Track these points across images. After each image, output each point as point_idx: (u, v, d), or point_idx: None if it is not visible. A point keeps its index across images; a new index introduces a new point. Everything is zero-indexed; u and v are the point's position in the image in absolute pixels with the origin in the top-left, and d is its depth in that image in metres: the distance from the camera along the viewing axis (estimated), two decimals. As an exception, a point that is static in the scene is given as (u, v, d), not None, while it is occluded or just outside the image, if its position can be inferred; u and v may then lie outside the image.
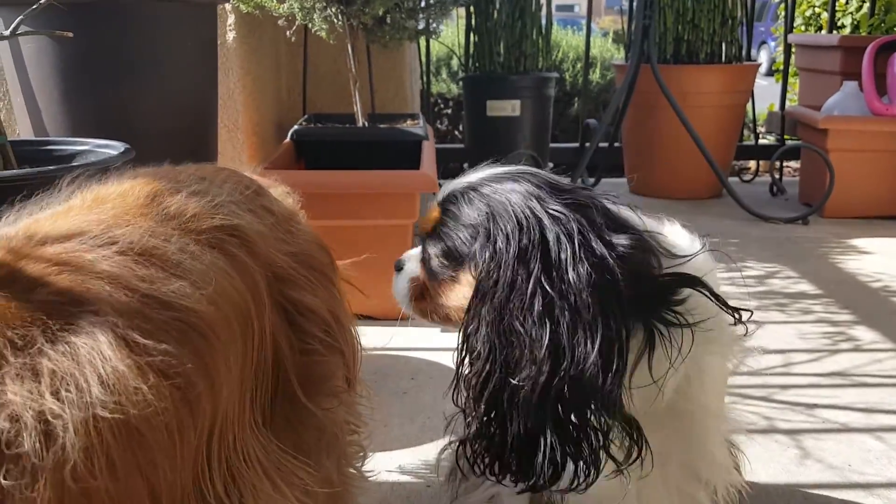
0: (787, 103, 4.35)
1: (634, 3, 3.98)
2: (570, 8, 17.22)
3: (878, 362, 2.00)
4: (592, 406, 0.82)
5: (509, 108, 3.57)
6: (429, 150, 2.53)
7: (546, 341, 0.81)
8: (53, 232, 0.76)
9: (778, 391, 1.85)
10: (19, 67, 2.11)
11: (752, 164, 4.47)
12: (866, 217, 3.42)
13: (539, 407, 0.82)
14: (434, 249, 0.96)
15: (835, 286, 2.58)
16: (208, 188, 0.93)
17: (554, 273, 0.83)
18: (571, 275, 0.83)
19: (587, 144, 3.87)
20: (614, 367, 0.82)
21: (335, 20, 2.75)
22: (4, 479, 0.59)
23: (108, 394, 0.65)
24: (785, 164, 4.30)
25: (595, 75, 5.24)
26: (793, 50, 4.31)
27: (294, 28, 2.91)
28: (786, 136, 4.10)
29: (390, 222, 2.15)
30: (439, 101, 5.27)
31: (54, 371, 0.64)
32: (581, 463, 0.83)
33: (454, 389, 0.92)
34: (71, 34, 1.73)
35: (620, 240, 0.86)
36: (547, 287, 0.82)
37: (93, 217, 0.79)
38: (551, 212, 0.87)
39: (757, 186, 4.00)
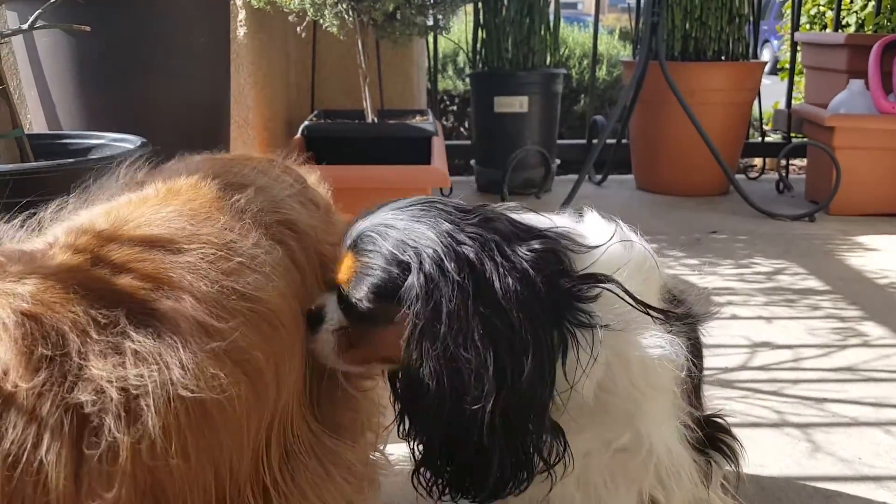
0: (793, 101, 4.36)
1: (643, 1, 4.00)
2: (573, 5, 17.23)
3: (886, 357, 2.02)
4: (532, 416, 0.86)
5: (517, 104, 3.58)
6: (439, 146, 2.55)
7: (490, 363, 0.83)
8: (137, 220, 0.80)
9: (788, 385, 1.87)
10: (34, 61, 2.13)
11: (757, 161, 4.48)
12: (872, 214, 3.43)
13: (490, 425, 0.84)
14: (360, 293, 0.90)
15: (842, 283, 2.59)
16: (270, 182, 0.96)
17: (485, 294, 0.85)
18: (500, 293, 0.85)
19: (594, 141, 3.88)
20: (546, 376, 0.85)
21: (346, 16, 2.76)
22: (86, 448, 0.60)
23: (188, 377, 0.67)
24: (790, 162, 4.31)
25: (601, 72, 5.25)
26: (798, 48, 4.32)
27: (304, 24, 2.92)
28: (792, 135, 4.11)
29: (402, 217, 2.16)
30: (445, 98, 5.28)
31: (137, 351, 0.66)
32: (522, 470, 0.88)
33: (399, 425, 0.94)
34: (88, 28, 1.75)
35: (532, 246, 0.89)
36: (482, 309, 0.84)
37: (172, 209, 0.83)
38: (468, 234, 0.88)
39: (763, 184, 4.01)
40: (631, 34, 4.63)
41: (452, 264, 0.85)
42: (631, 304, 0.90)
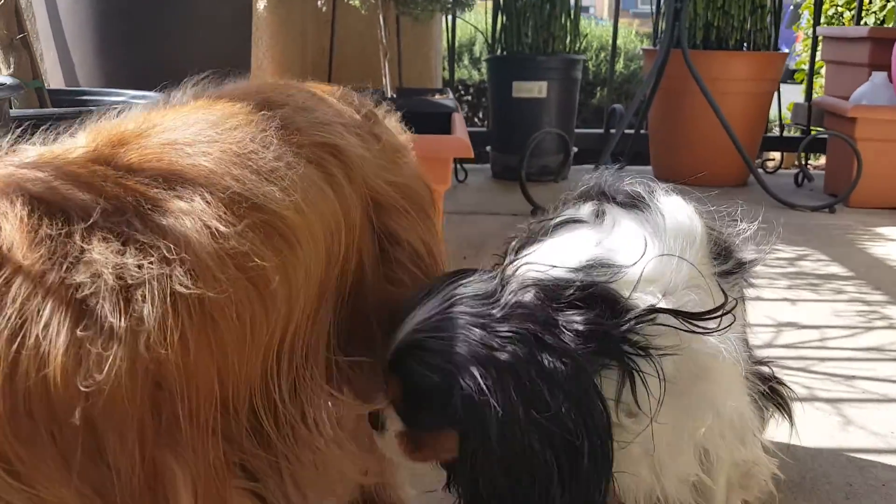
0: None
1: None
2: (585, 9, 17.23)
3: (915, 340, 1.98)
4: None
5: (536, 89, 3.54)
6: (459, 121, 2.51)
7: (553, 465, 0.82)
8: (163, 124, 0.79)
9: (816, 363, 1.83)
10: (53, 19, 2.10)
11: (774, 155, 4.44)
12: (892, 207, 3.39)
13: None
14: (411, 411, 0.91)
15: (864, 269, 2.55)
16: (317, 104, 0.94)
17: (532, 398, 0.82)
18: (550, 394, 0.81)
19: (612, 130, 3.85)
20: (602, 467, 0.84)
21: (368, -10, 2.74)
22: (81, 330, 0.60)
23: (188, 276, 0.65)
24: (808, 157, 4.27)
25: (619, 65, 5.22)
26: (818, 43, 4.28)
27: (324, -1, 2.90)
28: (811, 129, 4.07)
29: (423, 187, 2.13)
30: (459, 86, 5.25)
31: (141, 242, 0.64)
32: None
33: None
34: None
35: (573, 322, 0.84)
36: (535, 415, 0.81)
37: (201, 115, 0.82)
38: (501, 337, 0.84)
39: (781, 177, 3.97)
40: (652, 23, 4.60)
41: (491, 380, 0.82)
42: (683, 329, 0.86)
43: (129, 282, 0.63)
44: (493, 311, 0.85)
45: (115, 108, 0.91)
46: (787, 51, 4.86)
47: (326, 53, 3.51)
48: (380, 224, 0.97)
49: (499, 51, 3.76)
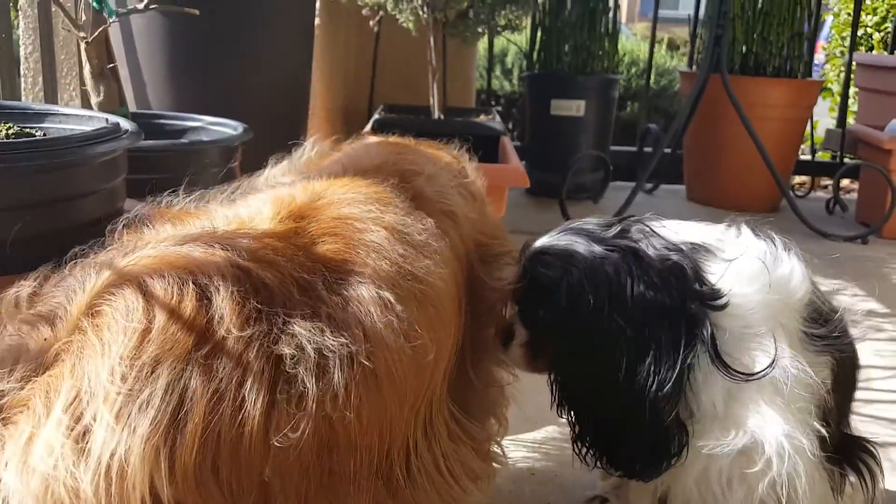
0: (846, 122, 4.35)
1: (701, 13, 4.00)
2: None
3: (956, 384, 2.02)
4: (657, 411, 0.97)
5: (574, 108, 3.59)
6: (509, 146, 2.57)
7: (624, 364, 0.97)
8: (329, 197, 0.87)
9: (861, 405, 1.87)
10: (127, 41, 2.16)
11: (804, 179, 4.47)
12: (925, 240, 3.43)
13: (629, 412, 0.98)
14: (532, 308, 1.07)
15: (902, 306, 2.59)
16: (438, 172, 1.00)
17: (619, 303, 0.98)
18: (631, 302, 0.98)
19: (646, 149, 3.89)
20: (672, 371, 0.96)
21: (420, 13, 2.78)
22: (279, 393, 0.68)
23: (369, 345, 0.72)
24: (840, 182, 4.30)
25: (652, 81, 5.25)
26: (853, 69, 4.31)
27: (377, 18, 2.95)
28: (846, 156, 4.11)
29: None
30: (491, 98, 5.29)
31: (331, 315, 0.71)
32: (655, 454, 0.99)
33: (559, 406, 1.09)
34: (197, 12, 1.77)
35: (665, 257, 1.01)
36: (616, 317, 0.98)
37: (357, 191, 0.90)
38: (610, 247, 1.02)
39: (811, 202, 4.01)
40: (677, 45, 4.64)
41: (595, 280, 0.99)
42: (711, 351, 0.97)
43: (326, 354, 0.71)
44: (607, 235, 1.03)
45: (258, 173, 0.98)
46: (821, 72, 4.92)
47: (369, 67, 3.57)
48: (473, 272, 1.08)
49: (537, 68, 3.80)
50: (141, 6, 1.69)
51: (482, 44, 4.25)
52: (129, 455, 0.62)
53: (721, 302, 0.98)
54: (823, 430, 1.06)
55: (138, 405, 0.63)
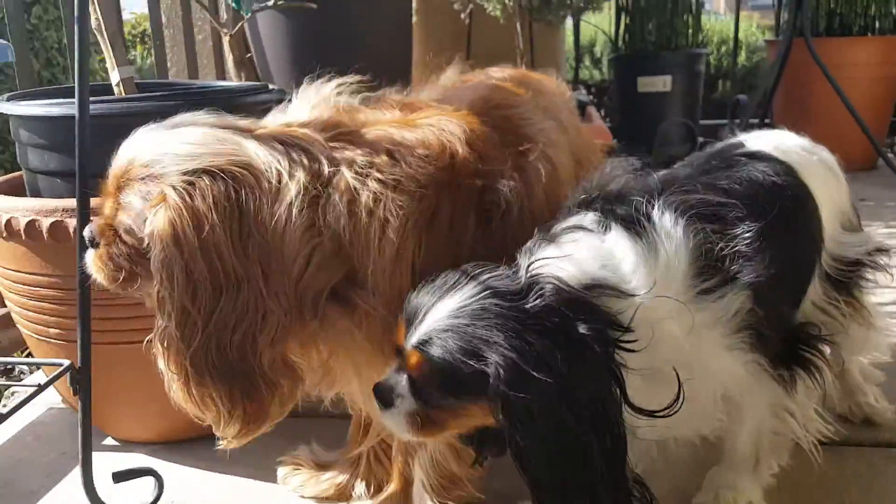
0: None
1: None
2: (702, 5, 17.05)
3: None
4: (617, 472, 0.97)
5: (661, 83, 3.75)
6: (594, 112, 2.79)
7: (600, 446, 0.94)
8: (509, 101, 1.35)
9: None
10: (254, 36, 2.50)
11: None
12: None
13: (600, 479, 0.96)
14: (435, 389, 0.99)
15: None
16: (550, 88, 1.50)
17: (565, 383, 0.92)
18: (580, 387, 0.93)
19: (737, 120, 3.99)
20: (621, 443, 0.97)
21: (507, 1, 3.04)
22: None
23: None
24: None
25: (741, 58, 5.32)
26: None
27: (468, 11, 3.22)
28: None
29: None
30: (582, 86, 5.49)
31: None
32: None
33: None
34: (315, 5, 2.08)
35: (588, 327, 0.95)
36: (566, 402, 0.93)
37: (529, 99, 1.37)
38: (535, 329, 0.94)
39: (911, 160, 4.00)
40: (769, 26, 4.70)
41: (530, 365, 0.92)
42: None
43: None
44: (526, 307, 0.95)
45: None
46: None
47: (462, 47, 3.84)
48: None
49: (623, 49, 3.99)
50: (270, 3, 2.01)
51: (570, 34, 4.47)
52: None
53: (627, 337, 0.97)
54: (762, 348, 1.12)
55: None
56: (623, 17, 3.96)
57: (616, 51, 4.04)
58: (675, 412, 0.98)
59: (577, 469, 0.95)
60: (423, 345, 0.97)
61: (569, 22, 4.16)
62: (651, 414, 0.98)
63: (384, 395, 1.02)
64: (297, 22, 2.40)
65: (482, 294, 0.97)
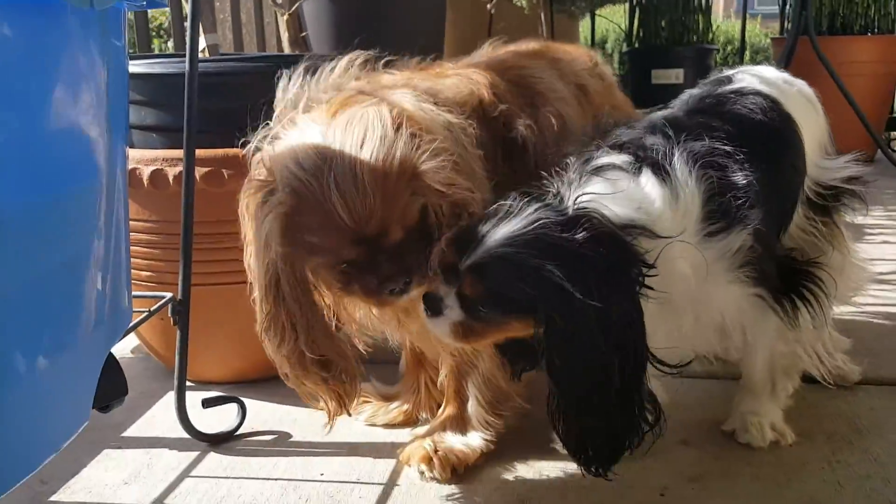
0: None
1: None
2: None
3: None
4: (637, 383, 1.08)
5: (673, 76, 3.95)
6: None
7: (621, 367, 1.05)
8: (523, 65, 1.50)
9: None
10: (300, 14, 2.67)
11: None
12: None
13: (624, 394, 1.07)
14: (488, 307, 1.08)
15: None
16: (574, 56, 1.59)
17: (603, 315, 1.02)
18: (612, 314, 1.03)
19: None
20: (642, 365, 1.08)
21: (532, -8, 3.23)
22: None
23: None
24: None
25: (746, 57, 5.52)
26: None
27: (493, 1, 3.41)
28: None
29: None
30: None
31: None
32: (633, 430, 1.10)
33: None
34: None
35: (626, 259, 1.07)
36: (601, 329, 1.03)
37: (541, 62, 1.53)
38: (579, 259, 1.03)
39: (908, 155, 4.19)
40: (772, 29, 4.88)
41: (575, 291, 1.01)
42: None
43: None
44: (573, 238, 1.04)
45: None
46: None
47: (485, 37, 4.02)
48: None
49: (637, 44, 4.18)
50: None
51: (584, 30, 4.66)
52: None
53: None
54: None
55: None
56: (637, 13, 4.15)
57: (630, 45, 4.24)
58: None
59: (600, 386, 1.06)
60: (478, 267, 1.06)
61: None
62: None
63: (433, 304, 1.12)
64: (339, 5, 2.58)
65: (533, 224, 1.06)
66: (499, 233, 1.06)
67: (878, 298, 2.04)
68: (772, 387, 1.39)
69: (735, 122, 1.33)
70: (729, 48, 5.49)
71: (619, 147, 1.23)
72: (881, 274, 2.26)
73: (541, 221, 1.06)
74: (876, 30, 4.02)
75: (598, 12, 4.31)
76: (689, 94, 1.49)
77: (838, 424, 1.44)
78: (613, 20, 4.94)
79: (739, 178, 1.22)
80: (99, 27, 0.92)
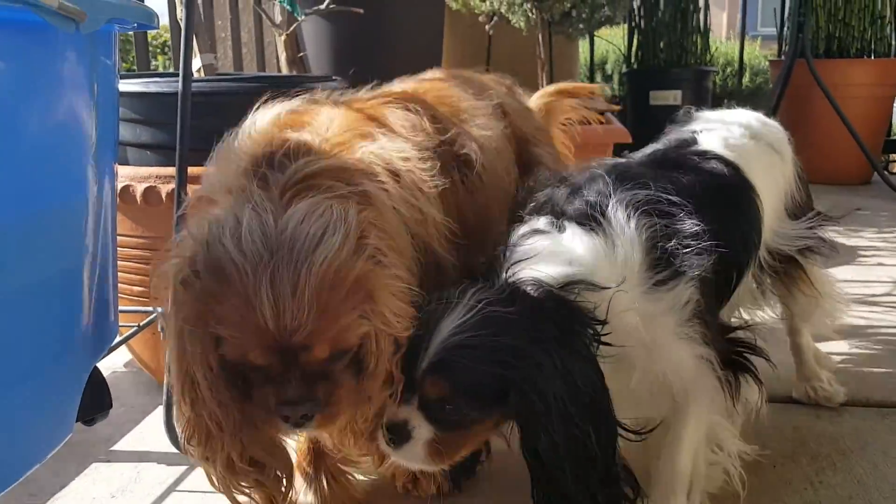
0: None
1: (787, 4, 4.32)
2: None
3: None
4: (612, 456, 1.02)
5: (671, 97, 3.97)
6: (613, 117, 3.00)
7: (595, 435, 0.99)
8: (441, 91, 1.51)
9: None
10: (298, 37, 2.71)
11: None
12: None
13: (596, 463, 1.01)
14: (459, 404, 1.01)
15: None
16: (489, 83, 1.62)
17: (571, 383, 0.98)
18: (577, 380, 0.98)
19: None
20: (614, 430, 1.03)
21: (530, 14, 3.26)
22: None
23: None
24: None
25: (745, 79, 5.55)
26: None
27: (492, 23, 3.44)
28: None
29: (586, 170, 2.63)
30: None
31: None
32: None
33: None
34: (361, 11, 2.30)
35: (576, 325, 1.01)
36: (578, 399, 0.98)
37: (456, 89, 1.53)
38: (537, 335, 0.99)
39: (904, 177, 4.22)
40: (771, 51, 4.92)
41: (543, 363, 0.97)
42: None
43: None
44: (520, 311, 1.00)
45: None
46: None
47: (483, 59, 4.06)
48: (527, 153, 1.60)
49: (635, 66, 4.21)
50: (323, 7, 2.22)
51: (584, 52, 4.70)
52: None
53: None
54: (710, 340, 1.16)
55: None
56: (636, 36, 4.19)
57: (629, 66, 4.27)
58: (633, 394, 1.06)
59: (580, 458, 0.99)
60: (436, 365, 0.99)
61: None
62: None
63: (398, 431, 1.02)
64: (338, 26, 2.62)
65: (476, 307, 1.00)
66: (445, 326, 1.00)
67: (869, 320, 2.05)
68: (689, 486, 1.20)
69: (690, 180, 1.26)
70: (728, 70, 5.52)
71: (538, 210, 1.18)
72: (874, 296, 2.27)
73: (482, 302, 1.01)
74: (872, 53, 4.05)
75: (596, 34, 4.35)
76: (652, 148, 1.44)
77: (822, 445, 1.44)
78: (613, 42, 4.98)
79: (688, 225, 1.14)
80: (88, 46, 0.94)
